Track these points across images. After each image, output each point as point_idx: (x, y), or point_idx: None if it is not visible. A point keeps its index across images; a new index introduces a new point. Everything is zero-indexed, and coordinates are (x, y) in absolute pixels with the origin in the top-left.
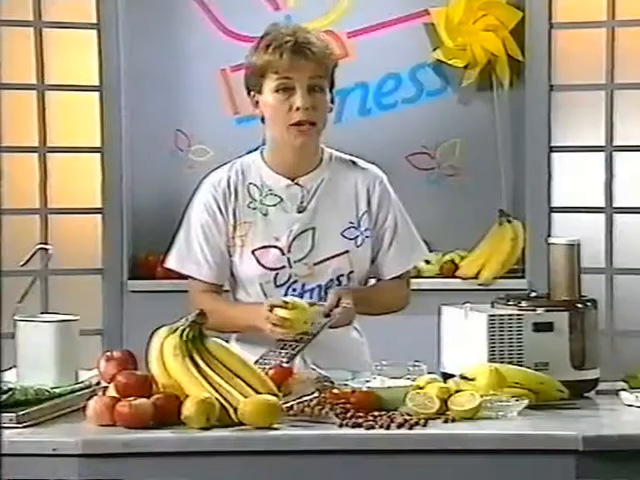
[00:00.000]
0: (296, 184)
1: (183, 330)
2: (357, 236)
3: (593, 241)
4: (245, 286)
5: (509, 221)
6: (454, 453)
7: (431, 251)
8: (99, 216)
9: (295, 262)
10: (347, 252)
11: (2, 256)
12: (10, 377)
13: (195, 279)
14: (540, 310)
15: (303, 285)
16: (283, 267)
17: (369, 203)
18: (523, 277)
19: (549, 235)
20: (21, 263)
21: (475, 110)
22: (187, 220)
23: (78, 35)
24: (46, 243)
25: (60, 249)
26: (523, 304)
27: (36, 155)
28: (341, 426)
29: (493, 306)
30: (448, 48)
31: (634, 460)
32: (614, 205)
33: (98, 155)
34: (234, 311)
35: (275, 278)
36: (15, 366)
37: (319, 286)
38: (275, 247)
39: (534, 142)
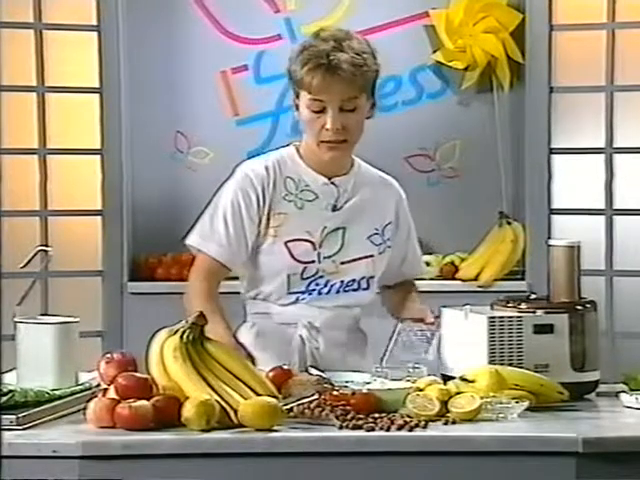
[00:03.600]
0: (332, 183)
1: (183, 332)
2: (380, 243)
3: (593, 243)
4: (270, 276)
5: (509, 223)
6: (454, 455)
7: (431, 253)
8: (99, 218)
9: (324, 258)
10: (372, 256)
11: (2, 258)
12: (10, 379)
13: (207, 255)
14: (540, 312)
15: (327, 281)
16: (312, 261)
17: (397, 216)
18: (523, 279)
19: (549, 237)
20: (21, 265)
21: (475, 112)
22: (216, 203)
23: (78, 37)
24: (46, 245)
25: (60, 251)
26: (523, 306)
27: (36, 157)
28: (341, 428)
29: (493, 308)
30: (448, 50)
31: (634, 462)
32: (614, 207)
33: (98, 157)
34: (212, 317)
35: (303, 271)
36: (15, 368)
37: (342, 282)
38: (307, 241)
39: (534, 144)
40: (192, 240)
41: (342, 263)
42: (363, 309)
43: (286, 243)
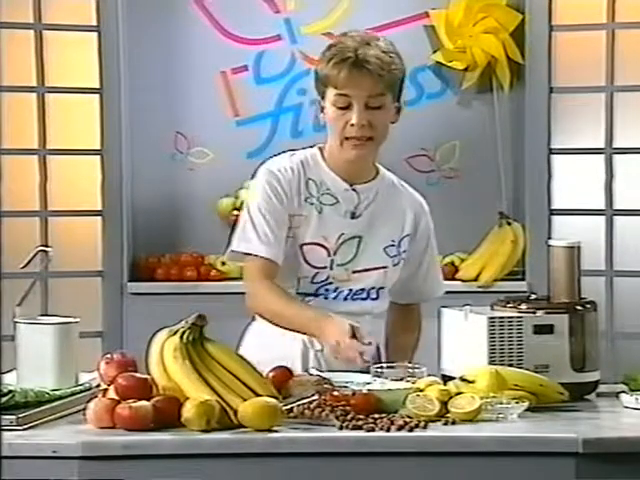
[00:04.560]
0: (353, 190)
1: (183, 332)
2: (395, 255)
3: (593, 243)
4: (281, 277)
5: (509, 223)
6: (454, 455)
7: None
8: (99, 218)
9: (337, 265)
10: (385, 268)
11: (2, 258)
12: (10, 379)
13: (256, 256)
14: (540, 312)
15: (336, 288)
16: (325, 267)
17: (415, 229)
18: (523, 279)
19: (549, 237)
20: (21, 265)
21: (475, 112)
22: (248, 206)
23: (78, 37)
24: (46, 245)
25: (60, 251)
26: (523, 306)
27: (36, 157)
28: (341, 428)
29: (493, 308)
30: (448, 50)
31: (634, 462)
32: (614, 207)
33: (98, 157)
34: (294, 310)
35: (314, 276)
36: (15, 368)
37: (350, 290)
38: (322, 246)
39: (534, 144)
40: (238, 246)
41: (354, 272)
42: (373, 317)
43: (301, 246)
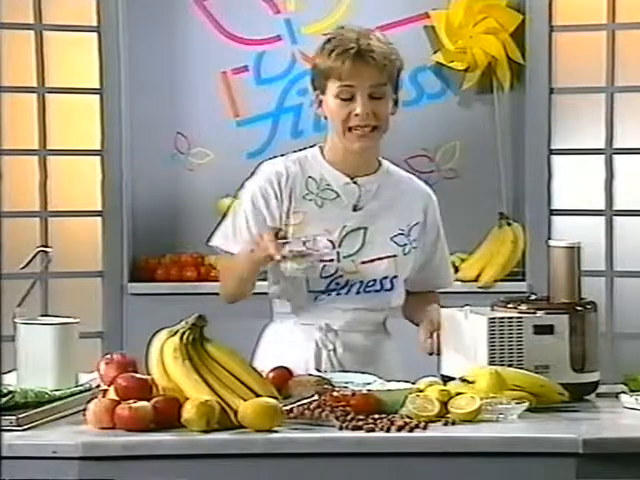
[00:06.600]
0: (354, 183)
1: (183, 333)
2: (406, 244)
3: (593, 244)
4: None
5: (509, 224)
6: (454, 456)
7: None
8: (99, 219)
9: (344, 257)
10: (394, 257)
11: (2, 258)
12: (10, 380)
13: (227, 252)
14: (540, 313)
15: (347, 281)
16: (331, 260)
17: (425, 217)
18: (523, 280)
19: (549, 238)
20: (21, 266)
21: (475, 113)
22: (237, 203)
23: (79, 38)
24: (46, 246)
25: (60, 252)
26: (523, 307)
27: (36, 158)
28: (341, 429)
29: (493, 309)
30: (448, 51)
31: (634, 463)
32: (614, 208)
33: (98, 158)
34: (235, 260)
35: (322, 269)
36: (15, 369)
37: (361, 282)
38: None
39: (534, 145)
40: (216, 242)
41: (362, 263)
42: (390, 311)
43: (305, 242)
